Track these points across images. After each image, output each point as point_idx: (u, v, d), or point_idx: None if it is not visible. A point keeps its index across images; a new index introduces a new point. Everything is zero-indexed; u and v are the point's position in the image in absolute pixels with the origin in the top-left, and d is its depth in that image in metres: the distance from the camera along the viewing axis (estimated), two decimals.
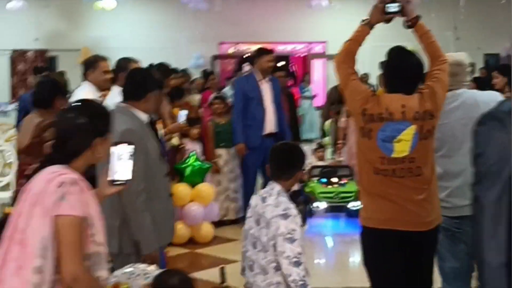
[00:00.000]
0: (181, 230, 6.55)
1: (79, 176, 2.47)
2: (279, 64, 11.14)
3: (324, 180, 7.60)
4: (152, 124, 3.91)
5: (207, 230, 6.93)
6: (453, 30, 16.99)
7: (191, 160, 6.92)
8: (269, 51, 7.54)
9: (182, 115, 6.24)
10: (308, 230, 7.12)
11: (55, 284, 2.38)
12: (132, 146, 2.70)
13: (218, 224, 7.29)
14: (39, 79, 4.83)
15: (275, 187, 3.26)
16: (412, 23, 3.49)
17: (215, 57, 17.70)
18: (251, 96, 7.30)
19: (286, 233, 3.10)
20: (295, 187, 7.57)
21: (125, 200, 3.51)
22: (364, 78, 13.59)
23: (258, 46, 17.56)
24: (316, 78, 17.85)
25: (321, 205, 7.41)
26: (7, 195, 7.06)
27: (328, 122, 10.31)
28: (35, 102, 4.23)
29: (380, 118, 3.30)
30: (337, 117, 9.14)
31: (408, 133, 3.29)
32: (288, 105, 7.95)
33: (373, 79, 15.35)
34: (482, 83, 7.67)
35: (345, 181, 7.58)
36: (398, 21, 3.60)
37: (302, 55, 19.35)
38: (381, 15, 3.49)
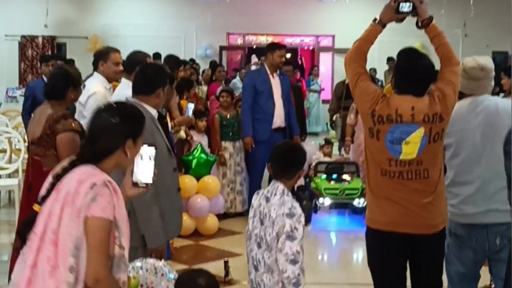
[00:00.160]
0: (186, 221, 6.57)
1: (110, 178, 2.48)
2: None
3: (330, 176, 7.59)
4: (161, 118, 3.93)
5: (212, 222, 6.96)
6: (462, 27, 16.93)
7: (198, 152, 6.95)
8: (282, 46, 7.57)
9: (190, 108, 6.26)
10: (312, 226, 7.14)
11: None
12: (154, 148, 2.71)
13: (222, 216, 7.33)
14: (53, 71, 4.82)
15: (279, 187, 3.27)
16: (425, 24, 3.46)
17: (223, 48, 17.69)
18: (260, 90, 7.32)
19: (289, 231, 3.13)
20: (300, 182, 7.62)
21: None
22: (372, 73, 13.57)
23: (266, 37, 17.53)
24: (323, 71, 17.82)
25: (326, 201, 7.39)
26: (14, 182, 7.10)
27: (336, 116, 10.30)
28: (48, 93, 4.24)
29: (389, 119, 3.29)
30: (344, 113, 9.14)
31: (417, 136, 3.27)
32: (294, 99, 7.96)
33: (380, 74, 15.34)
34: None
35: (351, 177, 7.55)
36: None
37: (310, 48, 19.32)
38: (393, 15, 3.46)
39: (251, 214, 3.38)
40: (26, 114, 7.18)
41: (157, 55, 11.37)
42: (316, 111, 16.58)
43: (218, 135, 7.69)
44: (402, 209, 3.33)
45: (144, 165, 2.68)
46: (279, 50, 7.36)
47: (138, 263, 3.06)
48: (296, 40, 18.75)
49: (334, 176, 7.60)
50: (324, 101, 16.24)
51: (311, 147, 8.82)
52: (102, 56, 5.35)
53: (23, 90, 10.89)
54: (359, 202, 7.27)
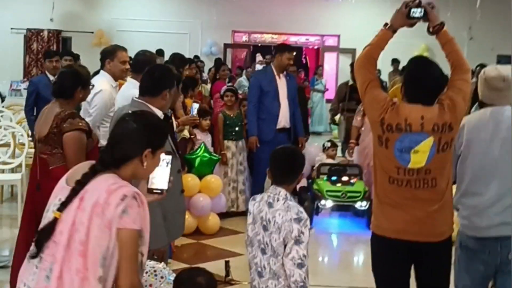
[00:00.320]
0: (188, 220, 6.55)
1: (137, 189, 2.47)
2: None
3: (332, 178, 7.55)
4: (166, 119, 3.92)
5: (213, 221, 6.96)
6: (467, 30, 16.91)
7: (201, 151, 6.95)
8: (292, 48, 7.59)
9: (194, 108, 6.27)
10: (313, 227, 7.13)
11: None
12: (170, 156, 2.71)
13: (224, 215, 7.33)
14: (62, 70, 4.82)
15: (281, 192, 3.24)
16: (436, 30, 3.43)
17: (228, 45, 17.69)
18: (266, 90, 7.33)
19: (296, 236, 3.13)
20: (303, 183, 7.60)
21: None
22: (377, 74, 13.54)
23: (271, 35, 17.50)
24: (328, 70, 17.82)
25: (328, 203, 7.36)
26: (18, 176, 7.11)
27: (338, 117, 10.27)
28: (56, 92, 4.24)
29: (398, 128, 3.27)
30: (348, 114, 9.11)
31: (426, 145, 3.25)
32: (298, 99, 7.95)
33: (384, 76, 15.31)
34: None
35: (354, 180, 7.47)
36: None
37: (315, 47, 19.31)
38: (404, 20, 3.44)
39: (249, 220, 3.34)
40: (30, 110, 7.19)
41: (160, 52, 11.37)
42: (320, 110, 16.56)
43: (221, 134, 7.70)
44: (408, 216, 3.33)
45: (160, 171, 2.67)
46: (289, 52, 7.37)
47: None
48: (301, 39, 18.74)
49: (337, 178, 7.55)
50: (328, 101, 16.22)
51: (314, 149, 8.80)
52: (109, 54, 5.35)
53: (27, 83, 10.90)
54: (361, 205, 7.24)
